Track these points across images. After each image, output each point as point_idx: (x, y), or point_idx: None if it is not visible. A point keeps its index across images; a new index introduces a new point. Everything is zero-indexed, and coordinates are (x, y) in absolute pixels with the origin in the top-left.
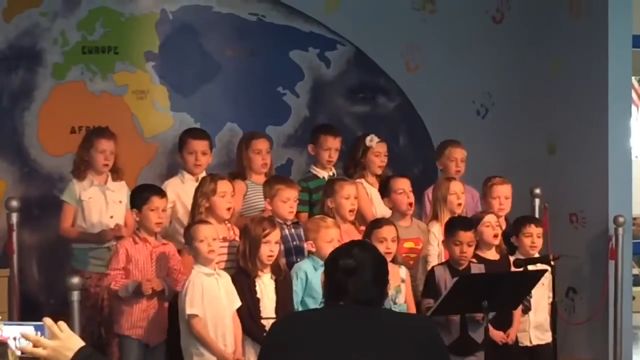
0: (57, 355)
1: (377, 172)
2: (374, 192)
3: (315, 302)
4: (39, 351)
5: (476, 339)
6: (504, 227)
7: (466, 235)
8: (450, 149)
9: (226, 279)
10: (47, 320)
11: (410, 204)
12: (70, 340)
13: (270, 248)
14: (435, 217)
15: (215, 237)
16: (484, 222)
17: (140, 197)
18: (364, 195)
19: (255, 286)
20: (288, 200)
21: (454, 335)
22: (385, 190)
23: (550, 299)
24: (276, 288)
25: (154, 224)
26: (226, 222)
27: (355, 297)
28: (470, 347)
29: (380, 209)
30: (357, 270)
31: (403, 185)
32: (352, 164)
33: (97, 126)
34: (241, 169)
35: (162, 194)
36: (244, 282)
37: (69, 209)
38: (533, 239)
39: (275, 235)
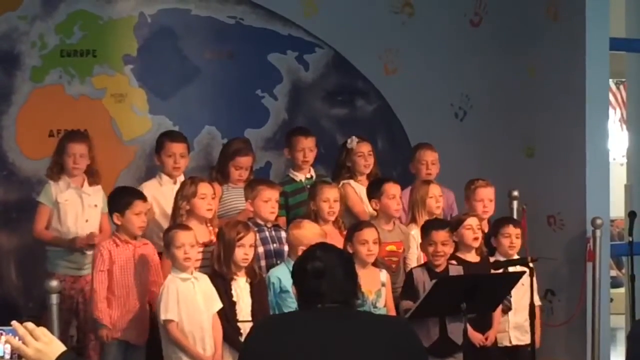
0: (41, 356)
1: (364, 171)
2: (363, 191)
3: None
4: (25, 349)
5: (456, 341)
6: (486, 230)
7: (439, 235)
8: (420, 152)
9: (204, 282)
10: (28, 325)
11: (398, 210)
12: (52, 344)
13: (244, 251)
14: (413, 220)
15: (193, 243)
16: (464, 225)
17: (122, 201)
18: (352, 195)
19: (231, 289)
20: (269, 201)
21: (432, 337)
22: (374, 191)
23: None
24: (251, 292)
25: (137, 228)
26: (207, 224)
27: (331, 297)
28: (450, 348)
29: (370, 208)
30: (326, 271)
31: (396, 191)
32: (338, 168)
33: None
34: (220, 175)
35: (144, 197)
36: (220, 285)
37: (44, 210)
38: (512, 239)
39: (249, 238)
